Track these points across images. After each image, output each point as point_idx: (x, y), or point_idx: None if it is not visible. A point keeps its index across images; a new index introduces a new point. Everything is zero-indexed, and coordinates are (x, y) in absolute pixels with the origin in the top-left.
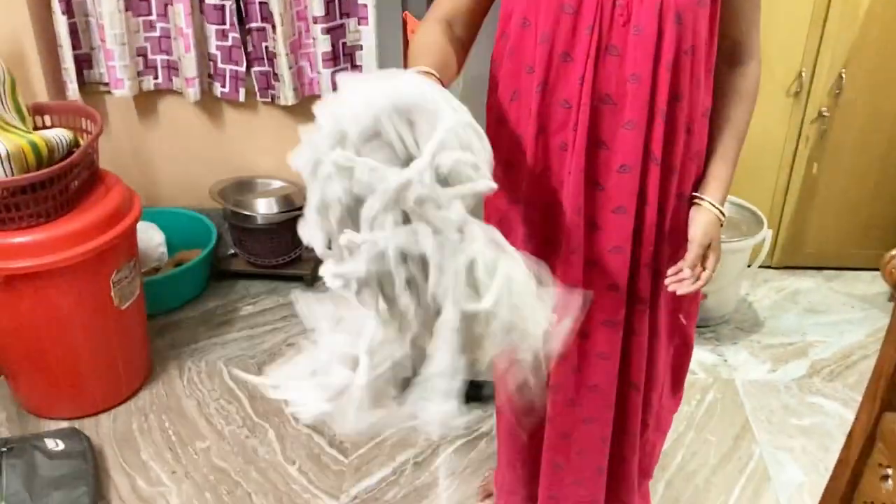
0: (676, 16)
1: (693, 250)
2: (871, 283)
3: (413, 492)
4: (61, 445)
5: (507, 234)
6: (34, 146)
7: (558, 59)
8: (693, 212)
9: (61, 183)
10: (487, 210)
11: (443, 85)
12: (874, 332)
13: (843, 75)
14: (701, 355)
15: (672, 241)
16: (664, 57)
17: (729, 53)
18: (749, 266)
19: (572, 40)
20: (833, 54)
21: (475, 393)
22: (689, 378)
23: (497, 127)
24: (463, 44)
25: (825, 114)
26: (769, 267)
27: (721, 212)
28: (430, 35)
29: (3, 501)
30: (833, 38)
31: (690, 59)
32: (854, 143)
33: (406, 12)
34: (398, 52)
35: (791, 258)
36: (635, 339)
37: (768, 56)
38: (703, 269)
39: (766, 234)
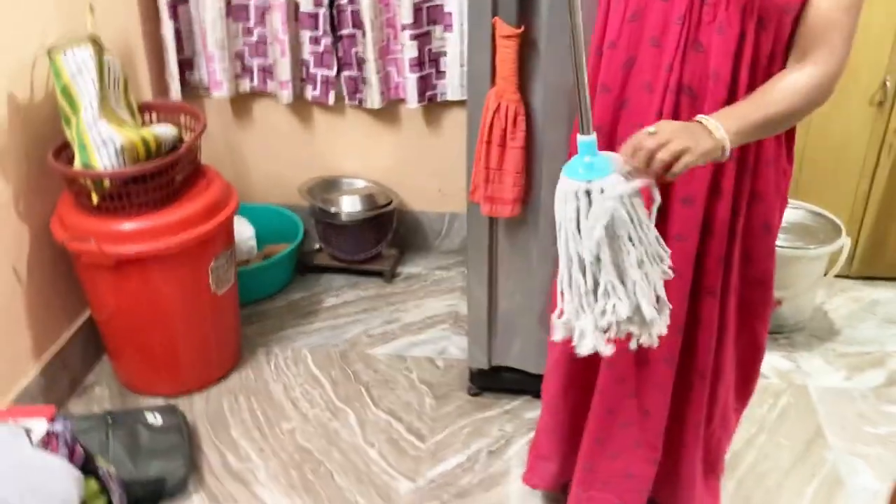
0: (759, 20)
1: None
2: None
3: (487, 478)
4: (160, 420)
5: None
6: (144, 140)
7: (647, 42)
8: None
9: (168, 175)
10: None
11: None
12: None
13: None
14: (774, 360)
15: (745, 241)
16: (745, 58)
17: (794, 53)
18: (825, 274)
19: (663, 28)
20: None
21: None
22: (761, 382)
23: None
24: None
25: None
26: (847, 276)
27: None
28: None
29: (110, 463)
30: None
31: (769, 64)
32: None
33: (496, 17)
34: (487, 57)
35: (870, 268)
36: (703, 330)
37: (852, 64)
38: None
39: (844, 242)
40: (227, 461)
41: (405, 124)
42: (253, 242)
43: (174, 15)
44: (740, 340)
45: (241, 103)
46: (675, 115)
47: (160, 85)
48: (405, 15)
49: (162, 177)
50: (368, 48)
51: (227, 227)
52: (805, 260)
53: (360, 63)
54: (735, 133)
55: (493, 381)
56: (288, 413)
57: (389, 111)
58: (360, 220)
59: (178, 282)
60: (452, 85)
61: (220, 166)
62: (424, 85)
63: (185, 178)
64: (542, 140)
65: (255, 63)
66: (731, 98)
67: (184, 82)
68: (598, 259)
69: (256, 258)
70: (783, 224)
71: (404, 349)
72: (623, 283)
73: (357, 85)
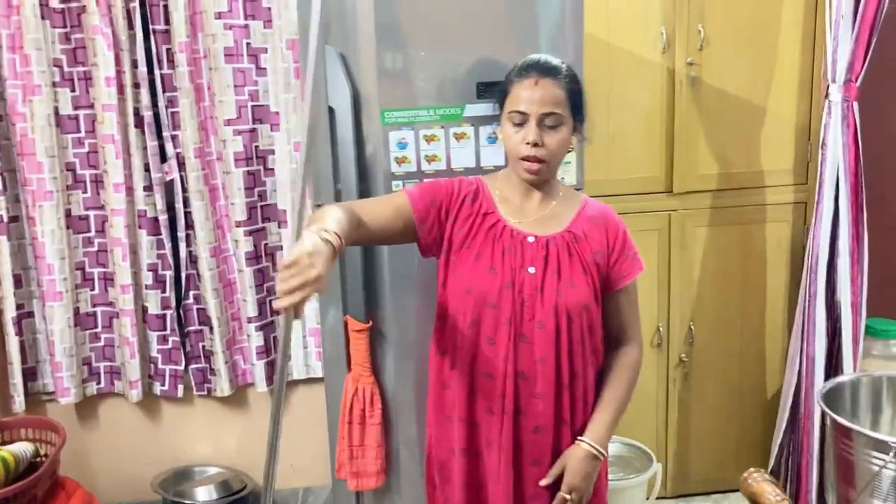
0: (567, 316)
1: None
2: None
3: None
4: None
5: (445, 482)
6: (3, 461)
7: (485, 341)
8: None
9: (28, 495)
10: (430, 461)
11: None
12: None
13: (692, 327)
14: None
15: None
16: (563, 345)
17: (614, 338)
18: (648, 498)
19: (495, 328)
20: (681, 311)
21: None
22: None
23: (439, 391)
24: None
25: (684, 359)
26: (664, 497)
27: (592, 445)
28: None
29: None
30: (677, 298)
31: (581, 347)
32: (713, 380)
33: (347, 315)
34: (342, 347)
35: (682, 487)
36: None
37: None
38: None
39: (657, 468)
40: None
41: (253, 407)
42: None
43: (19, 330)
44: None
45: (85, 406)
46: (515, 396)
47: (3, 397)
48: (251, 308)
49: (24, 496)
50: (216, 341)
51: None
52: (627, 489)
53: (209, 355)
54: (601, 438)
55: None
56: None
57: (237, 396)
58: None
59: None
60: (297, 366)
61: (67, 472)
62: (271, 369)
63: (45, 494)
64: (396, 414)
65: (102, 366)
66: (557, 376)
67: (27, 392)
68: None
69: None
70: None
71: None
72: None
73: (205, 375)
